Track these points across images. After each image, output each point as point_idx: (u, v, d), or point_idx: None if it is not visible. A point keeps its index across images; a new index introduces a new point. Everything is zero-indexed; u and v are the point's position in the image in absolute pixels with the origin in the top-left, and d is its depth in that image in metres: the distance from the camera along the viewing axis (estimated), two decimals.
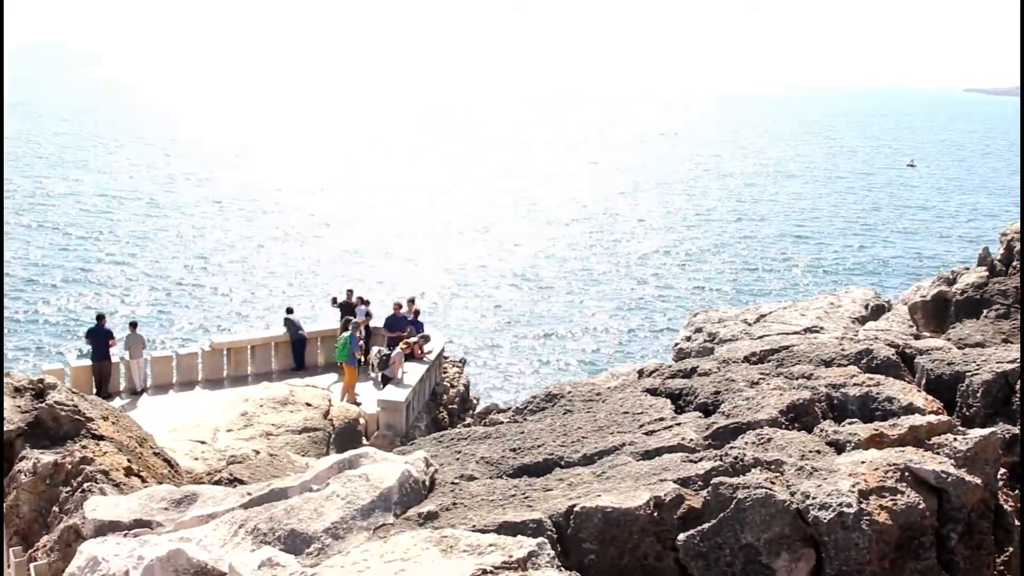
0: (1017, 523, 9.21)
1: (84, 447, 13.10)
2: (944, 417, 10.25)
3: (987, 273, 21.81)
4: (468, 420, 30.14)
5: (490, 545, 7.20)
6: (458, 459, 10.14)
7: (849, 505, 8.13)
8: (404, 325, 28.96)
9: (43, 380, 15.18)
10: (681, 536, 8.25)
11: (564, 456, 9.99)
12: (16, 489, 12.79)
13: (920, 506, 8.29)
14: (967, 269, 23.85)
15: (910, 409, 10.47)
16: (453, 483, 9.14)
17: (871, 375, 11.67)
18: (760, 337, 23.56)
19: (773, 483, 8.51)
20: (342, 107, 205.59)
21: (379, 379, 27.91)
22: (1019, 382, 11.68)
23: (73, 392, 14.93)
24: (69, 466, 12.59)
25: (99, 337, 27.19)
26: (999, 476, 9.54)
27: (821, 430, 10.14)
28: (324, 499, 8.05)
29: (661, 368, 13.89)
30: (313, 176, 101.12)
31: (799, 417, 10.54)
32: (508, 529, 7.89)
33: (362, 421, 25.56)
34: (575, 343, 50.97)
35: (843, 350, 12.97)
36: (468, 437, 11.20)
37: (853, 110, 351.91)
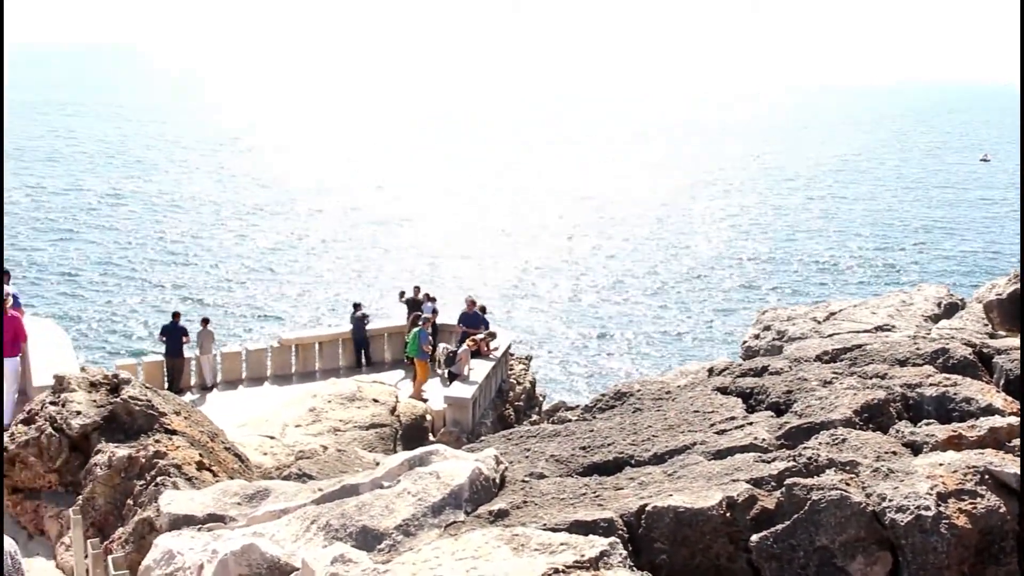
0: None
1: (157, 441, 13.29)
2: None
3: None
4: (534, 417, 30.14)
5: (562, 544, 7.17)
6: (527, 457, 10.11)
7: (927, 508, 7.97)
8: (479, 322, 29.08)
9: (118, 375, 15.45)
10: (754, 537, 8.14)
11: (635, 455, 9.92)
12: (92, 482, 13.01)
13: (1001, 510, 8.11)
14: None
15: (989, 410, 10.23)
16: (523, 481, 9.12)
17: (947, 375, 11.43)
18: (830, 335, 23.22)
19: (848, 484, 8.37)
20: (390, 103, 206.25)
21: (446, 376, 28.01)
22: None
23: (147, 387, 15.16)
24: (143, 460, 12.77)
25: (174, 334, 27.72)
26: None
27: (897, 431, 9.95)
28: (395, 496, 8.07)
29: (731, 366, 13.73)
30: (372, 173, 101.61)
31: (874, 417, 10.35)
32: (579, 528, 7.84)
33: (429, 417, 25.68)
34: (640, 340, 50.74)
35: (918, 349, 12.71)
36: (537, 435, 11.16)
37: (925, 105, 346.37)
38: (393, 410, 24.59)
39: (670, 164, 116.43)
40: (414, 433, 24.53)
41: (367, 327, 30.44)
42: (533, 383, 32.08)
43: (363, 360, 30.32)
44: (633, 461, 9.84)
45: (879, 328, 24.54)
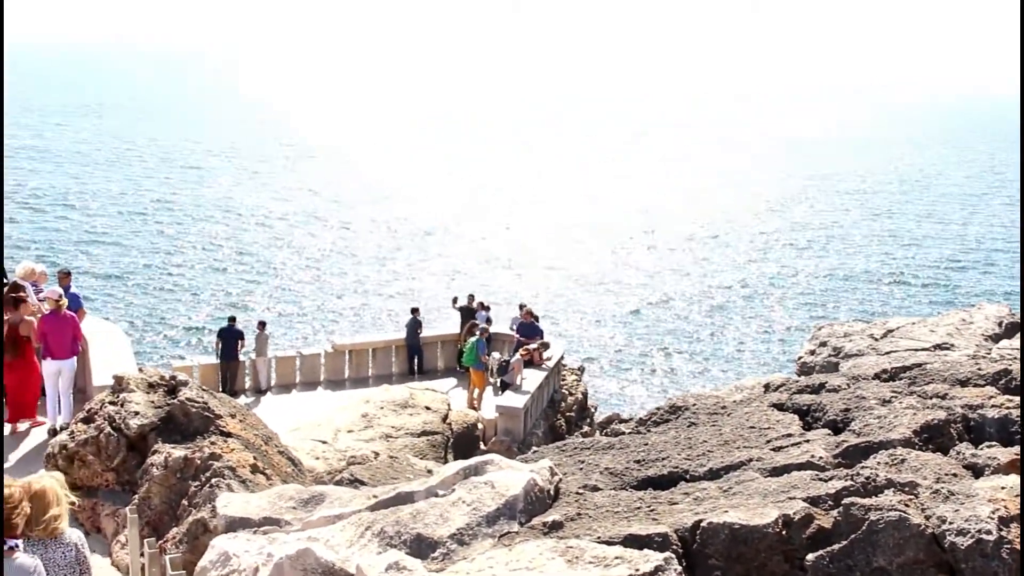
0: None
1: (213, 443, 13.40)
2: None
3: None
4: (585, 428, 30.09)
5: (616, 558, 7.13)
6: (581, 469, 10.08)
7: (989, 532, 7.83)
8: (535, 331, 29.11)
9: (175, 377, 15.63)
10: (810, 556, 8.05)
11: (689, 469, 9.86)
12: (148, 482, 13.15)
13: None
14: None
15: None
16: (577, 493, 9.09)
17: (1010, 396, 11.25)
18: (888, 353, 22.97)
19: (907, 506, 8.25)
20: (430, 109, 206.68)
21: (498, 384, 28.06)
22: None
23: (203, 389, 15.32)
24: (198, 461, 12.88)
25: (229, 337, 28.01)
26: None
27: (957, 452, 9.80)
28: (450, 504, 8.09)
29: (788, 383, 13.62)
30: (422, 179, 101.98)
31: (933, 438, 10.21)
32: (633, 542, 7.80)
33: (480, 426, 25.74)
34: (693, 354, 50.48)
35: (979, 369, 12.53)
36: (591, 447, 11.14)
37: (993, 118, 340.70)
38: (445, 418, 24.68)
39: (723, 177, 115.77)
40: (465, 441, 24.60)
41: (421, 334, 30.60)
42: (585, 394, 32.03)
43: (416, 367, 30.45)
44: (688, 476, 9.78)
45: (938, 347, 24.23)
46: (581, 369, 33.78)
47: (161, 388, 15.17)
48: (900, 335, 26.78)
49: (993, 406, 10.87)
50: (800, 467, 9.59)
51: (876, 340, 26.60)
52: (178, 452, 13.18)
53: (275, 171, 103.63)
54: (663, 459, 10.22)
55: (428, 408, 24.60)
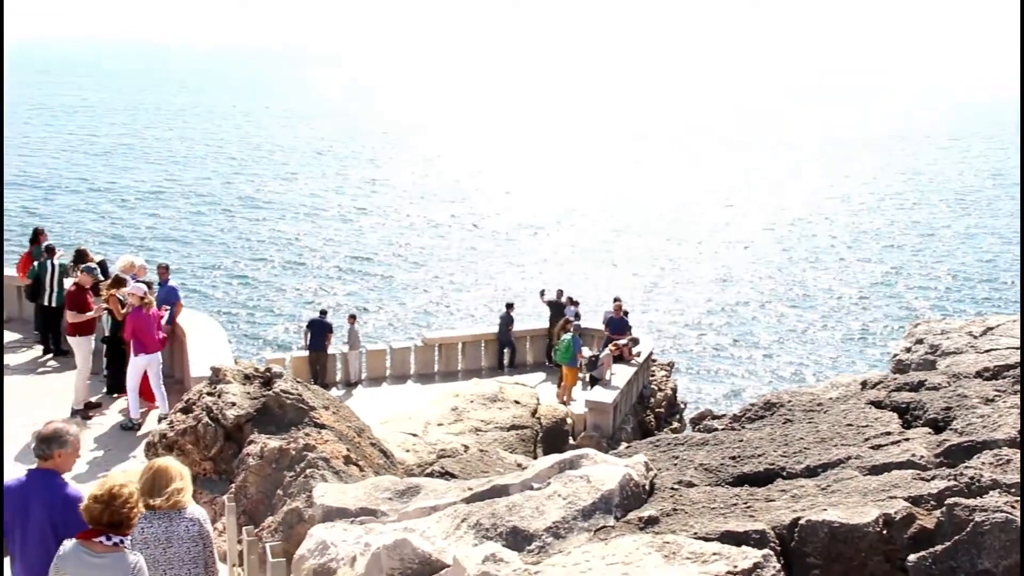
0: None
1: (307, 434, 13.57)
2: None
3: None
4: (675, 424, 29.90)
5: (714, 554, 7.08)
6: (676, 464, 10.02)
7: None
8: (625, 327, 29.00)
9: (270, 369, 15.89)
10: (912, 557, 7.90)
11: (786, 467, 9.73)
12: (244, 471, 13.39)
13: None
14: None
15: None
16: (672, 488, 9.04)
17: None
18: (988, 351, 22.38)
19: (1013, 507, 8.05)
20: (534, 106, 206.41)
21: (587, 380, 28.00)
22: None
23: (298, 381, 15.53)
24: (293, 452, 13.06)
25: (319, 330, 28.33)
26: None
27: None
28: (545, 498, 8.10)
29: (886, 380, 13.37)
30: (511, 175, 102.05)
31: None
32: (730, 538, 7.73)
33: (569, 421, 25.71)
34: (784, 350, 49.83)
35: None
36: (685, 442, 11.07)
37: None
38: (534, 412, 24.69)
39: (815, 171, 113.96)
40: (554, 436, 24.60)
41: (512, 329, 30.66)
42: (675, 390, 31.82)
43: (506, 361, 30.52)
44: (785, 473, 9.67)
45: None
46: (671, 365, 33.56)
47: (257, 380, 15.44)
48: (1000, 333, 26.10)
49: None
50: (900, 466, 9.42)
51: (975, 338, 25.93)
52: (273, 443, 13.38)
53: (366, 166, 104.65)
54: (759, 456, 10.11)
55: (517, 402, 24.62)
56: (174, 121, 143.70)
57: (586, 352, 28.27)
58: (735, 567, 6.83)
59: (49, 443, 7.73)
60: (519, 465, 16.30)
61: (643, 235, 74.33)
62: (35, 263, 21.33)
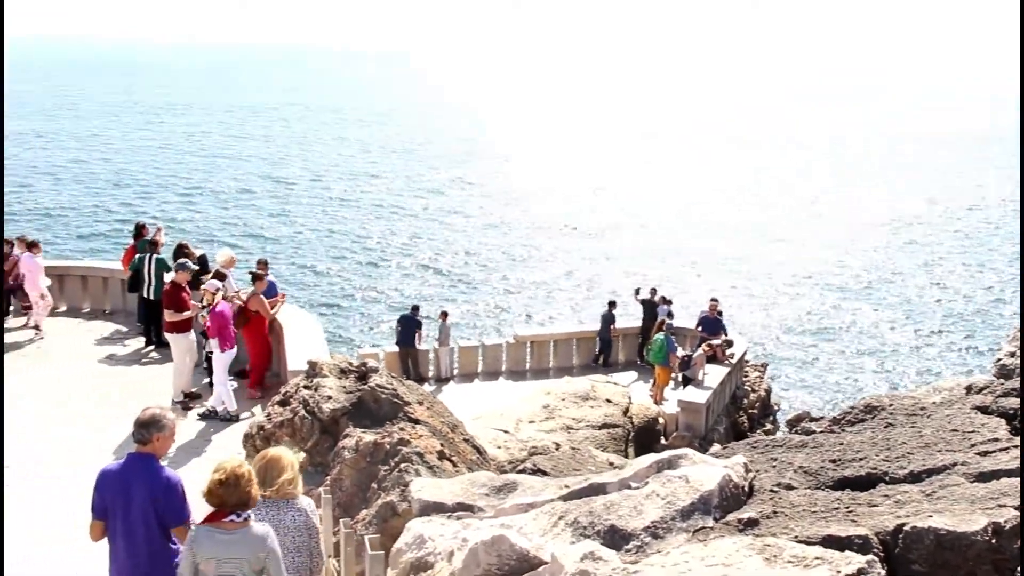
0: None
1: (402, 429, 13.65)
2: None
3: None
4: (768, 426, 29.53)
5: (816, 558, 6.94)
6: (774, 467, 9.87)
7: None
8: (720, 327, 28.72)
9: (366, 363, 16.02)
10: None
11: (889, 471, 9.52)
12: (340, 464, 13.52)
13: None
14: None
15: None
16: (771, 491, 8.90)
17: None
18: None
19: None
20: (607, 103, 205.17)
21: (680, 379, 27.78)
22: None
23: (392, 376, 15.64)
24: (387, 446, 13.14)
25: (408, 325, 28.55)
26: None
27: None
28: (643, 497, 8.03)
29: (992, 385, 13.04)
30: (592, 175, 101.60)
31: None
32: (832, 543, 7.58)
33: (661, 421, 25.52)
34: (879, 353, 48.79)
35: None
36: (783, 444, 10.90)
37: None
38: (626, 411, 24.54)
39: (913, 172, 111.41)
40: (646, 435, 24.43)
41: (613, 328, 30.56)
42: (768, 391, 31.39)
43: (603, 359, 30.43)
44: (887, 478, 9.46)
45: None
46: (764, 366, 33.09)
47: (352, 374, 15.57)
48: None
49: None
50: (1009, 473, 9.15)
51: None
52: (368, 436, 13.48)
53: (453, 166, 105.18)
54: (860, 460, 9.91)
55: (609, 401, 24.49)
56: (265, 121, 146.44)
57: (679, 352, 28.03)
58: (838, 572, 6.69)
59: (148, 428, 7.92)
60: (611, 464, 16.24)
61: (735, 235, 73.51)
62: (137, 256, 21.91)
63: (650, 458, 8.78)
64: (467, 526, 8.27)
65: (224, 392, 17.78)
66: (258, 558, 6.91)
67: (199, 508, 7.94)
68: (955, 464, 9.49)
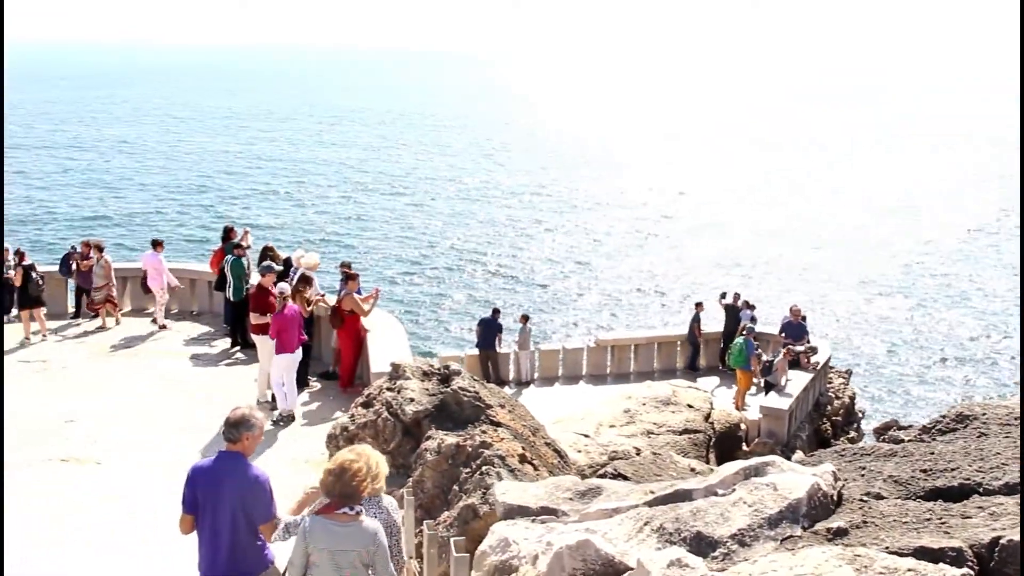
0: None
1: (484, 432, 13.69)
2: None
3: None
4: (852, 433, 29.05)
5: (908, 570, 6.80)
6: (863, 475, 9.69)
7: None
8: (803, 333, 28.35)
9: (448, 366, 16.11)
10: None
11: (983, 483, 9.28)
12: (422, 466, 13.59)
13: None
14: None
15: None
16: (860, 500, 8.74)
17: None
18: None
19: None
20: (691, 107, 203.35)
21: (762, 385, 27.47)
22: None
23: (475, 379, 15.69)
24: (469, 449, 13.18)
25: (489, 328, 28.61)
26: None
27: None
28: (730, 504, 7.94)
29: None
30: (688, 177, 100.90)
31: None
32: (925, 555, 7.41)
33: (743, 427, 25.26)
34: (969, 360, 47.72)
35: None
36: (872, 453, 10.69)
37: None
38: (707, 417, 24.29)
39: (995, 173, 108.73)
40: (727, 442, 24.17)
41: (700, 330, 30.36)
42: (852, 398, 30.88)
43: (692, 364, 30.26)
44: (981, 489, 9.22)
45: None
46: (848, 373, 32.58)
47: (435, 376, 15.66)
48: None
49: None
50: None
51: None
52: (450, 439, 13.54)
53: (534, 171, 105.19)
54: (952, 470, 9.68)
55: (691, 406, 24.26)
56: (346, 125, 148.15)
57: (763, 357, 27.72)
58: None
59: (238, 427, 8.09)
60: (692, 470, 16.10)
61: (819, 240, 72.54)
62: (225, 258, 22.38)
63: (737, 464, 8.68)
64: (551, 530, 8.25)
65: (282, 393, 17.91)
66: (368, 551, 7.10)
67: (283, 505, 8.12)
68: None
